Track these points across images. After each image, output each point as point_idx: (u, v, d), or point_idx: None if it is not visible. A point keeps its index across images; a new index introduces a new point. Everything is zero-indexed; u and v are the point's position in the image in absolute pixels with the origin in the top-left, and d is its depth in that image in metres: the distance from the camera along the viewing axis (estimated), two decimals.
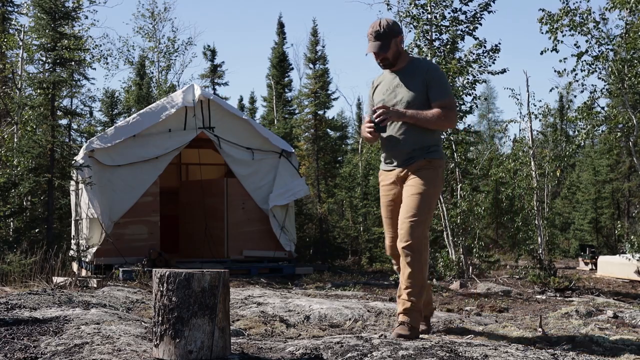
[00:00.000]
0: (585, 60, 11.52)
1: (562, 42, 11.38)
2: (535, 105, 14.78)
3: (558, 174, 14.39)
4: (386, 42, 4.01)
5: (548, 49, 11.59)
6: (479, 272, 12.48)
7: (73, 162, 10.71)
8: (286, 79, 26.15)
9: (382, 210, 4.25)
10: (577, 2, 11.38)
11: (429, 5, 10.48)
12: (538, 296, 9.79)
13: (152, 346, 3.10)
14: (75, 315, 4.15)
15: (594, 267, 15.22)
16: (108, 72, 58.48)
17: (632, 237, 12.89)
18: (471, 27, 10.61)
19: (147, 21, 27.98)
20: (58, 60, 10.91)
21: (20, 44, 14.11)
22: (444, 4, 10.51)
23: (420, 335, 4.02)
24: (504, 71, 10.72)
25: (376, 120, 3.89)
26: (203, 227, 12.00)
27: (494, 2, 10.60)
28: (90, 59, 18.55)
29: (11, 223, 11.21)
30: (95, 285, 8.17)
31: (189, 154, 13.59)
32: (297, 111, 24.60)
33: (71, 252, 10.52)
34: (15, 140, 12.70)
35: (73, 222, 11.90)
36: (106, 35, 45.57)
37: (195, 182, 12.97)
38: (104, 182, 10.63)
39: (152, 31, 27.90)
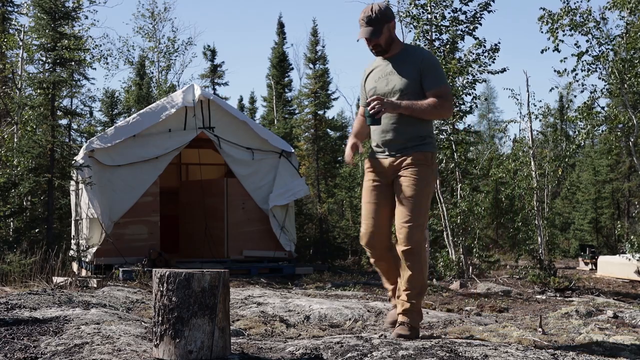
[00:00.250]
0: (585, 60, 11.53)
1: (562, 41, 11.39)
2: (535, 105, 14.79)
3: (559, 173, 14.39)
4: (378, 27, 3.86)
5: (549, 48, 11.60)
6: (479, 272, 12.48)
7: (73, 162, 10.71)
8: (286, 79, 26.15)
9: (363, 194, 4.02)
10: (577, 2, 11.39)
11: (429, 5, 10.48)
12: (538, 296, 9.79)
13: (152, 346, 3.10)
14: (75, 315, 4.15)
15: (594, 267, 15.22)
16: (108, 72, 58.48)
17: (632, 237, 12.89)
18: (471, 27, 10.62)
19: (147, 21, 27.97)
20: (58, 60, 10.91)
21: (20, 44, 14.11)
22: (444, 4, 10.52)
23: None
24: (503, 70, 10.74)
25: (371, 112, 3.73)
26: (203, 227, 12.00)
27: (493, 2, 10.61)
28: (90, 59, 18.54)
29: (11, 223, 11.21)
30: (95, 285, 8.18)
31: (189, 154, 13.59)
32: (297, 111, 24.61)
33: (71, 252, 10.52)
34: (15, 140, 12.69)
35: (73, 222, 11.89)
36: (106, 35, 45.57)
37: (195, 182, 12.97)
38: (104, 182, 10.62)
39: (152, 31, 27.89)
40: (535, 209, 13.51)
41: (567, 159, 13.78)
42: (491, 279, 12.15)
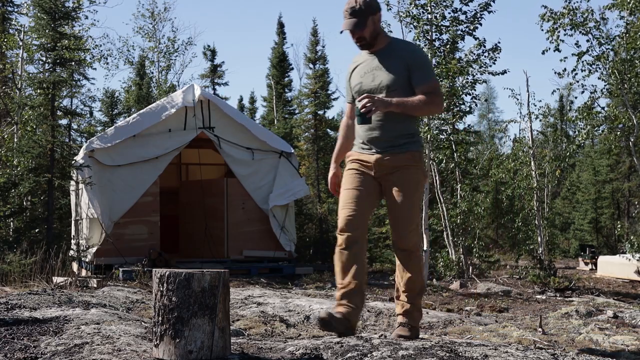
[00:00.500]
0: (585, 60, 11.53)
1: (562, 41, 11.39)
2: (535, 106, 14.81)
3: (558, 174, 14.39)
4: (362, 19, 3.68)
5: (549, 49, 11.60)
6: (479, 272, 12.49)
7: (73, 162, 10.71)
8: (286, 79, 26.14)
9: (344, 182, 3.83)
10: (577, 2, 11.39)
11: (429, 5, 10.48)
12: (538, 296, 9.79)
13: (152, 346, 3.10)
14: (75, 315, 4.15)
15: (594, 267, 15.22)
16: (108, 72, 58.48)
17: (632, 237, 12.89)
18: (471, 27, 10.62)
19: (147, 21, 27.97)
20: (58, 60, 10.91)
21: (20, 44, 14.11)
22: (444, 4, 10.52)
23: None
24: (504, 72, 10.73)
25: (362, 111, 3.57)
26: (203, 227, 12.00)
27: (494, 2, 10.60)
28: (90, 59, 18.54)
29: (11, 223, 11.21)
30: (95, 285, 8.18)
31: (189, 154, 13.59)
32: (297, 111, 24.60)
33: (71, 252, 10.52)
34: (15, 140, 12.69)
35: (73, 222, 11.89)
36: (106, 35, 45.44)
37: (195, 182, 12.97)
38: (104, 182, 10.63)
39: (152, 31, 27.89)
40: (535, 209, 13.51)
41: (567, 159, 13.79)
42: (491, 279, 12.16)
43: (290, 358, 3.20)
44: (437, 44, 10.68)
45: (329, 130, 21.62)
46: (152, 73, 27.14)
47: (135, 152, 10.89)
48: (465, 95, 11.03)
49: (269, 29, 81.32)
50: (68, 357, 3.08)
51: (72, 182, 11.30)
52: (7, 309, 4.35)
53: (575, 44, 11.64)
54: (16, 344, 3.32)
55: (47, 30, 10.82)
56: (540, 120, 14.74)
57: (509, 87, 33.30)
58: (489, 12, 10.63)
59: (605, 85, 12.09)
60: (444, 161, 12.64)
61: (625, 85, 11.41)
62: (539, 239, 13.34)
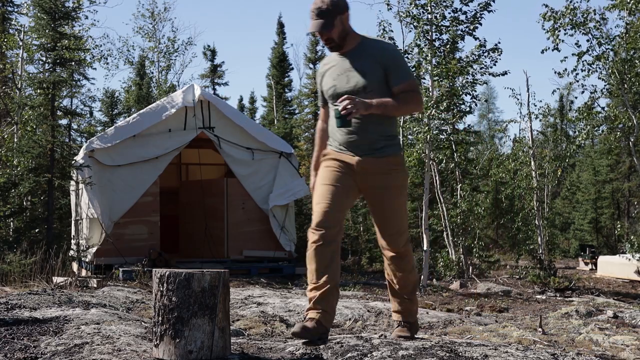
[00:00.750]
0: (585, 60, 11.53)
1: (562, 41, 11.40)
2: (535, 106, 14.81)
3: (559, 173, 14.40)
4: (330, 20, 3.53)
5: (549, 48, 11.60)
6: (479, 272, 12.49)
7: (73, 162, 10.71)
8: (286, 79, 26.16)
9: (320, 178, 3.66)
10: (577, 2, 11.40)
11: (429, 5, 10.48)
12: (538, 296, 9.79)
13: (152, 346, 3.10)
14: (75, 315, 4.15)
15: (594, 267, 15.22)
16: (108, 72, 58.59)
17: (632, 237, 12.90)
18: (471, 27, 10.61)
19: (147, 21, 27.97)
20: (58, 60, 10.91)
21: (20, 44, 14.11)
22: (444, 4, 10.51)
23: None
24: (505, 73, 10.73)
25: (342, 113, 3.43)
26: (203, 227, 12.00)
27: (493, 2, 10.60)
28: (90, 59, 18.54)
29: (11, 223, 11.21)
30: (95, 285, 8.18)
31: (189, 154, 13.58)
32: (297, 111, 24.62)
33: (71, 252, 10.51)
34: (15, 140, 12.70)
35: (73, 222, 11.89)
36: (106, 35, 45.42)
37: (195, 182, 12.97)
38: (104, 182, 10.62)
39: (152, 31, 27.88)
40: (535, 209, 13.51)
41: (567, 160, 13.79)
42: (491, 279, 12.16)
43: (290, 358, 3.20)
44: (437, 44, 10.68)
45: None
46: (152, 73, 27.14)
47: (135, 152, 10.88)
48: (465, 95, 11.03)
49: (269, 29, 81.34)
50: (68, 357, 3.08)
51: (72, 182, 11.29)
52: (7, 309, 4.35)
53: (576, 43, 11.65)
54: (16, 344, 3.32)
55: (47, 30, 10.82)
56: (540, 120, 14.76)
57: (509, 87, 33.34)
58: (489, 11, 10.63)
59: (605, 85, 12.10)
60: (444, 161, 12.64)
61: (625, 85, 11.41)
62: (539, 239, 13.35)
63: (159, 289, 2.97)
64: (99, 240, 10.50)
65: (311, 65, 22.02)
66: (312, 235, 3.50)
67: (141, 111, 11.78)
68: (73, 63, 11.36)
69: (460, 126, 13.90)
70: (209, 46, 29.14)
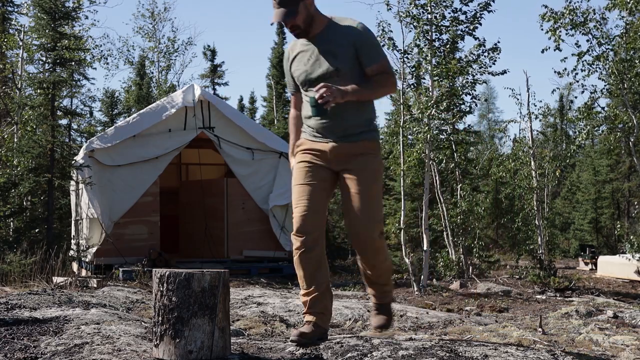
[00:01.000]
0: (585, 60, 11.53)
1: (563, 41, 11.39)
2: (535, 106, 14.82)
3: (558, 173, 14.40)
4: (293, 7, 3.39)
5: (549, 48, 11.60)
6: (479, 272, 12.49)
7: (73, 162, 10.72)
8: (286, 79, 26.13)
9: (295, 176, 3.57)
10: (577, 2, 11.40)
11: (429, 5, 10.47)
12: (538, 296, 9.79)
13: (152, 346, 3.10)
14: (75, 315, 4.15)
15: (594, 267, 15.22)
16: (108, 72, 58.49)
17: (632, 237, 12.89)
18: (471, 27, 10.61)
19: (147, 21, 27.98)
20: (58, 60, 10.91)
21: (20, 44, 14.11)
22: (444, 4, 10.51)
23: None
24: (504, 72, 10.73)
25: (319, 102, 3.31)
26: (203, 227, 12.00)
27: (493, 2, 10.60)
28: (90, 59, 18.54)
29: (11, 223, 11.21)
30: (95, 285, 8.18)
31: (189, 154, 13.59)
32: None
33: (71, 252, 10.52)
34: (15, 140, 12.70)
35: (73, 222, 11.89)
36: (106, 35, 45.40)
37: (195, 182, 12.97)
38: (104, 182, 10.63)
39: (152, 31, 27.89)
40: (535, 209, 13.51)
41: (567, 160, 13.80)
42: (491, 279, 12.16)
43: (290, 358, 3.20)
44: (437, 44, 10.68)
45: None
46: (152, 73, 27.16)
47: (135, 152, 10.88)
48: (465, 95, 11.03)
49: (269, 29, 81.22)
50: (68, 357, 3.08)
51: (72, 182, 11.30)
52: (7, 309, 4.35)
53: (575, 43, 11.64)
54: (16, 344, 3.32)
55: (47, 30, 10.82)
56: (540, 120, 14.76)
57: (509, 87, 33.27)
58: (489, 11, 10.62)
59: (605, 85, 12.10)
60: (444, 161, 12.64)
61: (625, 85, 11.41)
62: (539, 239, 13.34)
63: (159, 289, 2.97)
64: (99, 240, 10.50)
65: None
66: (295, 242, 3.45)
67: (141, 111, 11.78)
68: (73, 63, 11.37)
69: (460, 126, 13.90)
70: (209, 46, 29.14)
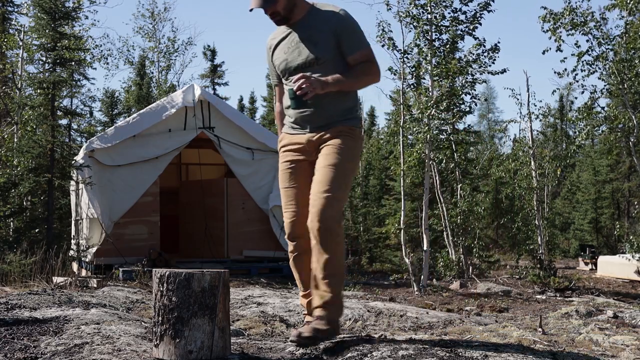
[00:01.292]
0: (585, 60, 11.53)
1: (563, 41, 11.40)
2: (535, 106, 14.83)
3: (558, 172, 14.41)
4: None
5: (550, 49, 11.61)
6: (479, 272, 12.50)
7: (73, 162, 10.72)
8: None
9: (280, 179, 3.47)
10: (577, 1, 11.41)
11: (429, 5, 10.48)
12: (538, 296, 9.79)
13: (152, 346, 3.10)
14: (75, 315, 4.15)
15: (594, 267, 15.23)
16: (108, 72, 58.60)
17: (632, 237, 12.90)
18: (471, 27, 10.62)
19: (147, 21, 28.00)
20: (58, 60, 10.91)
21: (20, 44, 14.12)
22: (444, 4, 10.52)
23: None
24: (504, 71, 10.74)
25: (297, 94, 3.18)
26: (203, 227, 12.00)
27: (493, 2, 10.60)
28: (90, 59, 18.55)
29: (11, 223, 11.22)
30: (95, 285, 8.18)
31: (189, 154, 13.59)
32: None
33: (71, 252, 10.52)
34: (15, 140, 12.70)
35: (73, 222, 11.90)
36: (106, 35, 45.39)
37: (195, 182, 12.98)
38: (104, 182, 10.63)
39: (152, 31, 27.91)
40: (535, 209, 13.52)
41: (567, 160, 13.81)
42: (491, 279, 12.16)
43: (290, 358, 3.20)
44: (437, 44, 10.68)
45: None
46: (152, 73, 27.17)
47: (135, 152, 10.89)
48: (465, 95, 11.04)
49: (269, 29, 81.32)
50: (68, 357, 3.08)
51: (72, 182, 11.30)
52: (7, 309, 4.35)
53: (575, 44, 11.65)
54: (16, 344, 3.32)
55: (47, 30, 10.82)
56: (540, 120, 14.76)
57: (509, 87, 33.28)
58: (489, 11, 10.63)
59: (605, 86, 12.10)
60: (444, 161, 12.64)
61: (625, 85, 11.41)
62: (539, 239, 13.35)
63: (159, 289, 2.98)
64: (99, 240, 10.50)
65: None
66: (289, 245, 3.44)
67: (141, 111, 11.79)
68: (73, 63, 11.37)
69: (460, 126, 13.90)
70: (209, 46, 29.19)
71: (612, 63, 11.34)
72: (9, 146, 12.19)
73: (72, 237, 11.87)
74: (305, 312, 3.47)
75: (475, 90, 11.05)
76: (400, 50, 10.62)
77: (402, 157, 10.70)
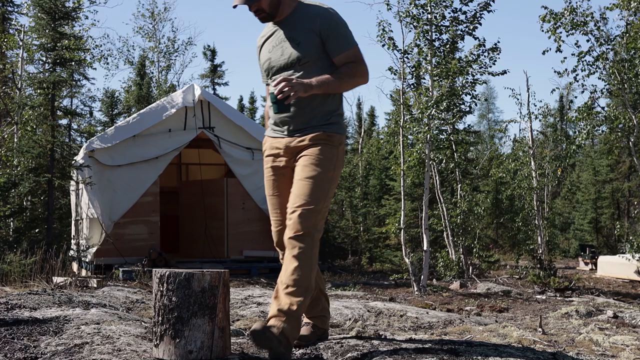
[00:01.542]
0: (586, 61, 11.53)
1: (563, 41, 11.40)
2: (535, 106, 14.84)
3: (559, 173, 14.41)
4: None
5: (550, 49, 11.61)
6: (479, 272, 12.50)
7: (73, 162, 10.72)
8: None
9: (265, 186, 3.38)
10: (578, 1, 11.40)
11: (429, 5, 10.48)
12: (538, 296, 9.79)
13: (152, 346, 3.10)
14: (75, 315, 4.15)
15: (594, 267, 15.23)
16: (108, 72, 58.65)
17: (632, 237, 12.90)
18: (471, 27, 10.62)
19: (147, 21, 28.02)
20: (58, 60, 10.91)
21: (20, 44, 14.12)
22: (444, 4, 10.51)
23: (304, 343, 3.31)
24: (504, 72, 10.73)
25: (278, 98, 3.03)
26: (203, 227, 12.00)
27: (493, 2, 10.60)
28: (90, 59, 18.55)
29: (11, 223, 11.22)
30: (95, 285, 8.17)
31: (189, 154, 13.60)
32: None
33: (71, 252, 10.52)
34: (15, 140, 12.70)
35: (73, 222, 11.90)
36: (106, 35, 45.38)
37: (195, 182, 12.98)
38: (104, 182, 10.64)
39: (152, 31, 27.93)
40: (535, 209, 13.51)
41: (567, 160, 13.82)
42: (491, 279, 12.16)
43: (290, 358, 3.20)
44: (437, 44, 10.68)
45: None
46: (152, 73, 27.18)
47: (135, 152, 10.90)
48: (465, 95, 11.04)
49: None
50: (68, 357, 3.08)
51: (72, 182, 11.30)
52: (7, 309, 4.35)
53: (575, 43, 11.65)
54: (16, 344, 3.32)
55: (47, 30, 10.82)
56: (540, 120, 14.77)
57: (509, 87, 33.40)
58: (489, 11, 10.63)
59: (605, 85, 12.10)
60: (444, 161, 12.64)
61: (625, 85, 11.41)
62: (539, 239, 13.35)
63: (159, 289, 2.97)
64: (99, 240, 10.51)
65: None
66: (279, 253, 3.38)
67: (141, 111, 11.79)
68: (73, 63, 11.37)
69: (460, 126, 13.90)
70: (209, 46, 29.20)
71: (613, 63, 11.34)
72: (9, 146, 12.19)
73: (72, 237, 11.88)
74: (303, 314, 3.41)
75: (475, 90, 11.06)
76: (401, 50, 10.62)
77: (402, 157, 10.70)
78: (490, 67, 10.68)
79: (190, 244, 12.74)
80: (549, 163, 14.24)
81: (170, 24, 58.49)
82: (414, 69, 10.70)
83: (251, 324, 4.70)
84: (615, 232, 19.44)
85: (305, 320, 3.42)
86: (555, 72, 13.65)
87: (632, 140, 11.94)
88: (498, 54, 10.64)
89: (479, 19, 10.64)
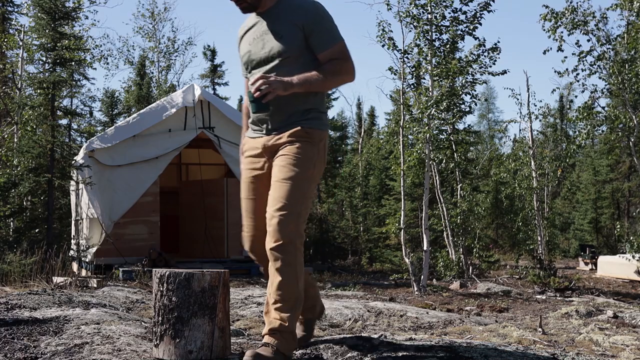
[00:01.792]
0: (586, 60, 11.54)
1: (564, 41, 11.40)
2: (535, 106, 14.84)
3: (559, 173, 14.41)
4: None
5: (551, 49, 11.63)
6: (479, 272, 12.50)
7: (73, 162, 10.72)
8: None
9: (242, 189, 3.21)
10: (579, 1, 11.41)
11: (429, 5, 10.48)
12: (538, 296, 9.79)
13: (152, 346, 3.10)
14: (75, 315, 4.15)
15: (594, 267, 15.23)
16: (108, 72, 58.66)
17: (632, 237, 12.89)
18: (471, 27, 10.62)
19: (147, 21, 28.02)
20: (58, 60, 10.92)
21: (20, 44, 14.12)
22: (444, 4, 10.52)
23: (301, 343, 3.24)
24: (504, 72, 10.74)
25: (255, 96, 2.86)
26: (203, 227, 12.00)
27: (493, 2, 10.60)
28: (90, 59, 18.55)
29: (11, 223, 11.22)
30: (95, 285, 8.17)
31: (189, 154, 13.60)
32: None
33: (71, 252, 10.52)
34: (15, 140, 12.70)
35: (73, 222, 11.90)
36: (106, 35, 45.41)
37: (195, 182, 12.98)
38: (104, 182, 10.64)
39: (152, 31, 27.92)
40: (535, 209, 13.52)
41: (567, 160, 13.83)
42: (491, 279, 12.16)
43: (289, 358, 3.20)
44: (437, 44, 10.68)
45: (329, 130, 21.65)
46: (152, 73, 27.18)
47: (135, 152, 10.90)
48: (465, 95, 11.04)
49: None
50: (68, 357, 3.08)
51: (72, 182, 11.30)
52: (7, 309, 4.35)
53: (576, 43, 11.65)
54: (16, 344, 3.32)
55: (47, 30, 10.83)
56: (540, 120, 14.77)
57: (509, 87, 33.43)
58: (489, 11, 10.63)
59: (605, 85, 12.11)
60: (444, 161, 12.64)
61: (626, 85, 11.41)
62: (539, 239, 13.35)
63: (159, 289, 2.97)
64: (99, 240, 10.51)
65: None
66: (252, 256, 3.24)
67: (141, 111, 11.79)
68: (73, 63, 11.37)
69: (460, 126, 13.91)
70: (209, 46, 29.21)
71: (613, 63, 11.34)
72: (9, 146, 12.19)
73: (72, 237, 11.88)
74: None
75: (475, 90, 11.06)
76: (401, 50, 10.62)
77: (402, 157, 10.70)
78: (490, 67, 10.69)
79: (190, 244, 12.73)
80: (549, 163, 14.24)
81: (170, 24, 58.56)
82: (414, 69, 10.70)
83: (251, 324, 4.70)
84: (615, 232, 19.45)
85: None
86: (555, 72, 13.67)
87: (632, 140, 11.94)
88: (498, 54, 10.64)
89: (479, 19, 10.64)
